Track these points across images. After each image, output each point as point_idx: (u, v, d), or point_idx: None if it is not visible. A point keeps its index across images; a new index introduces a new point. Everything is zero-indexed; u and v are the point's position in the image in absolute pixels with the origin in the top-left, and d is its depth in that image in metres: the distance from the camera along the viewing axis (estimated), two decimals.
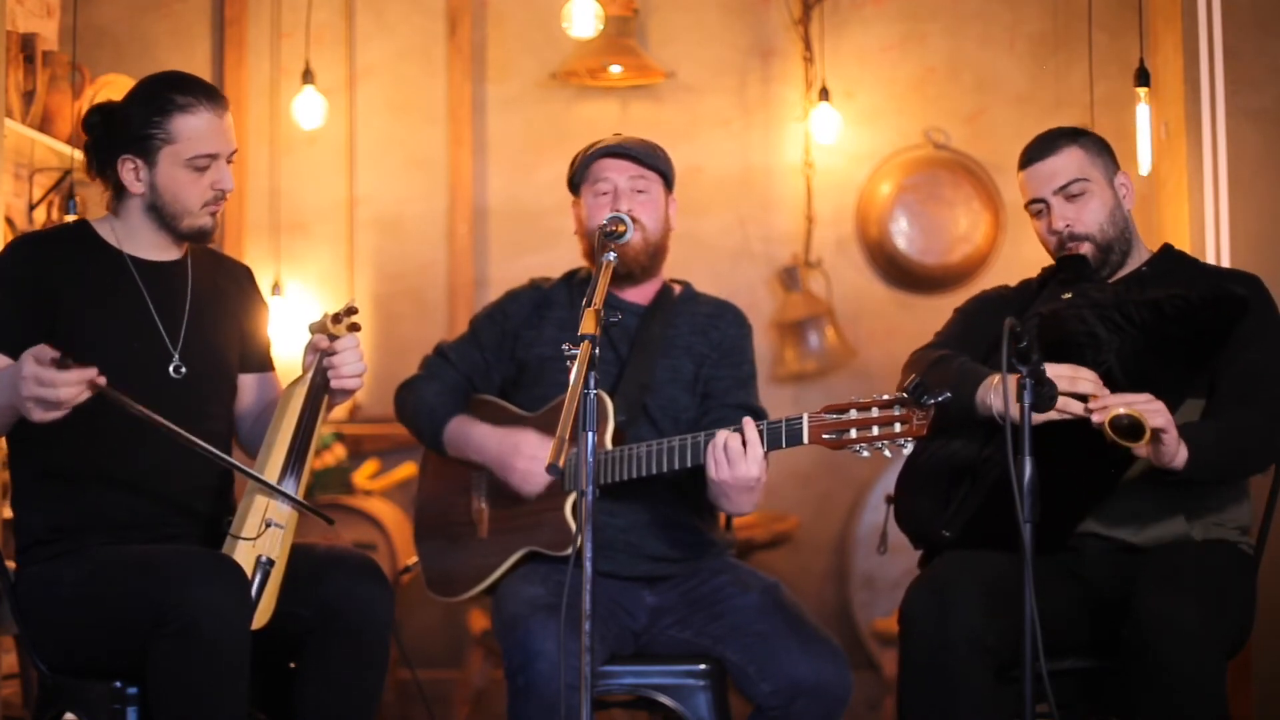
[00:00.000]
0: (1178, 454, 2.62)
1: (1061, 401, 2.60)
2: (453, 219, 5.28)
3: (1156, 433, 2.58)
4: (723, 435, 2.77)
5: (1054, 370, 2.63)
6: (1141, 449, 2.61)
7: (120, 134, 2.74)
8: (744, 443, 2.75)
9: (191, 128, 2.71)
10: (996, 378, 2.73)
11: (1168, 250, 3.01)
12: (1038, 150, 2.94)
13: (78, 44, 4.54)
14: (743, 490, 2.79)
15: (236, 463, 2.71)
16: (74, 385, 2.39)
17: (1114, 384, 2.66)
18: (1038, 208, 2.95)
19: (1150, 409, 2.57)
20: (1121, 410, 2.56)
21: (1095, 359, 2.68)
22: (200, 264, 2.89)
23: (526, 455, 3.02)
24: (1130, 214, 2.96)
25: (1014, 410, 2.45)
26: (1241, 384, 2.75)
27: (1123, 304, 2.74)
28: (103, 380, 2.42)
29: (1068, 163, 2.91)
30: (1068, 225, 2.90)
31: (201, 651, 2.44)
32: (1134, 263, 2.95)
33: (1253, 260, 3.89)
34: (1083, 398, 2.62)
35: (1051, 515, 2.51)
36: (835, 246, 5.27)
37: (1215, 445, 2.68)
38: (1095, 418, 2.58)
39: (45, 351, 2.38)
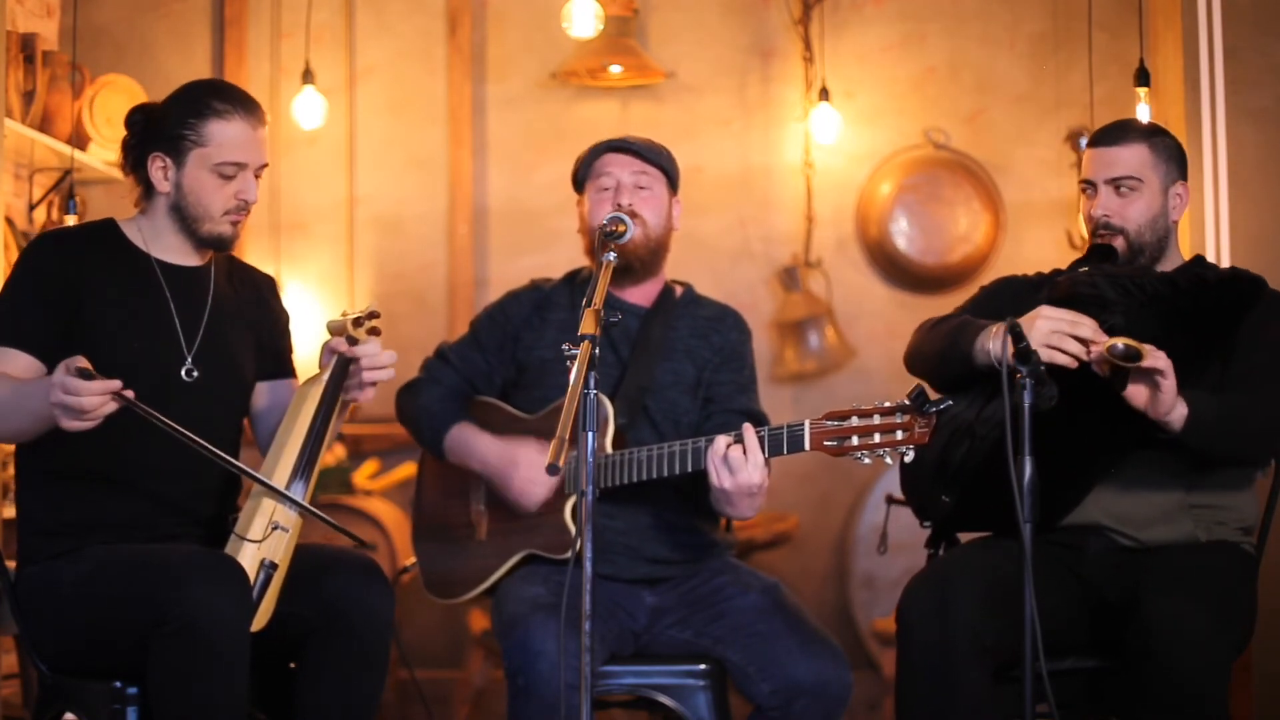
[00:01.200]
0: (1175, 407, 2.63)
1: (1058, 340, 2.62)
2: (453, 219, 5.28)
3: (1153, 374, 2.59)
4: (723, 444, 2.77)
5: (1055, 313, 2.64)
6: (1140, 397, 2.61)
7: (154, 132, 2.77)
8: (744, 450, 2.75)
9: (224, 134, 2.73)
10: (996, 327, 2.74)
11: (1199, 260, 3.01)
12: (1109, 135, 2.93)
13: (78, 44, 4.54)
14: (745, 496, 2.79)
15: (257, 474, 2.69)
16: (97, 395, 2.43)
17: None
18: (1087, 189, 2.94)
19: (1152, 352, 2.58)
20: (1118, 341, 2.58)
21: (1101, 318, 2.68)
22: (223, 272, 2.91)
23: (524, 470, 3.02)
24: (1174, 225, 2.95)
25: (1009, 353, 2.48)
26: (1249, 376, 2.76)
27: (1137, 275, 2.75)
28: (130, 393, 2.46)
29: (1129, 157, 2.90)
30: (1105, 216, 2.90)
31: (200, 651, 2.44)
32: (1163, 267, 2.95)
33: (1253, 260, 3.88)
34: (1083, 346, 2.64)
35: (1050, 490, 2.51)
36: (835, 246, 5.27)
37: (1215, 415, 2.69)
38: (1093, 352, 2.60)
39: (73, 361, 2.43)
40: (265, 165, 2.81)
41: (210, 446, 2.64)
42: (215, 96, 2.76)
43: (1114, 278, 2.75)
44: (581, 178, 3.16)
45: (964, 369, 2.78)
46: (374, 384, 2.75)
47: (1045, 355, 2.63)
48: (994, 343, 2.72)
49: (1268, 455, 2.90)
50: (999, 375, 2.59)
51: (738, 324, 3.23)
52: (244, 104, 2.77)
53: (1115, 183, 2.90)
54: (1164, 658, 2.54)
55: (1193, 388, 2.69)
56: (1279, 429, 2.82)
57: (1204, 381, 2.74)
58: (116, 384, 2.44)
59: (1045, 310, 2.68)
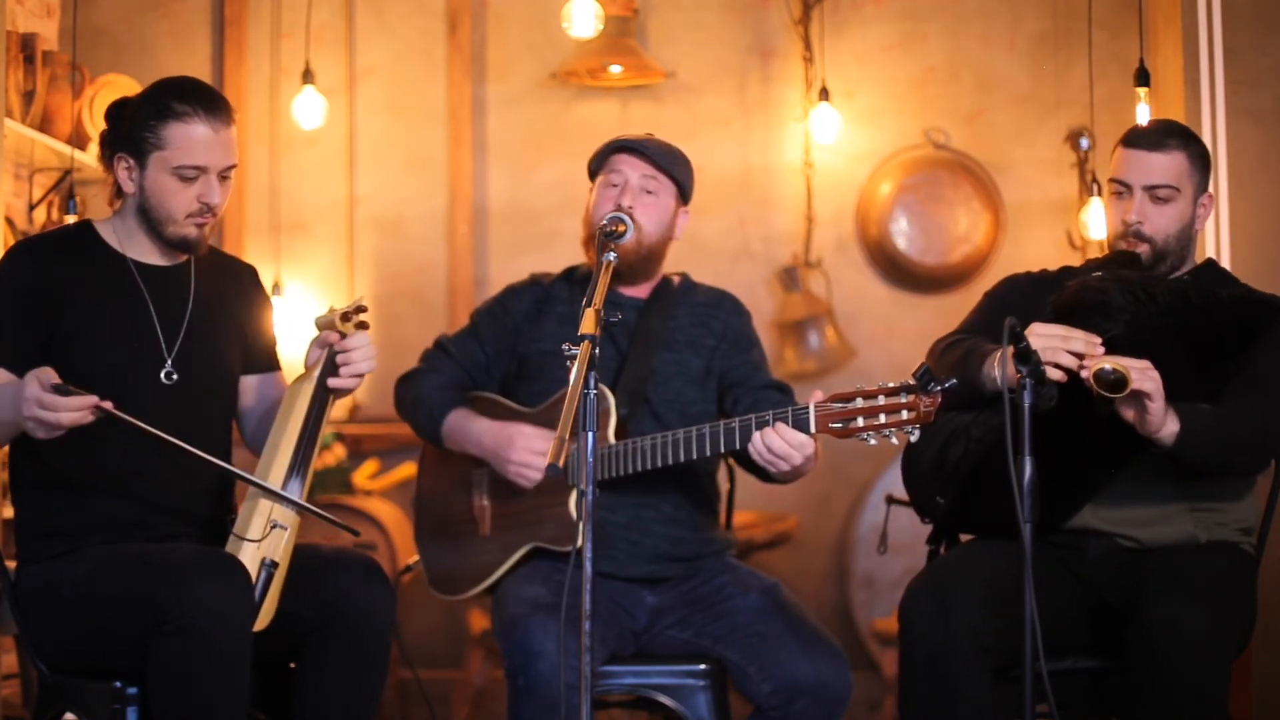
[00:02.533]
0: (1165, 424, 2.62)
1: (1050, 354, 2.61)
2: (453, 219, 5.28)
3: (1141, 396, 2.58)
4: (765, 451, 2.77)
5: (1047, 329, 2.63)
6: (1129, 414, 2.61)
7: (121, 132, 2.74)
8: (784, 439, 2.76)
9: (183, 137, 2.68)
10: (1000, 351, 2.72)
11: (1210, 264, 3.01)
12: (1149, 140, 2.89)
13: (78, 44, 4.54)
14: (809, 464, 2.82)
15: (246, 474, 2.69)
16: (73, 411, 2.44)
17: (1118, 352, 2.64)
18: (1119, 189, 2.90)
19: (1143, 373, 2.57)
20: (1107, 364, 2.57)
21: (1103, 326, 2.67)
22: (203, 268, 2.88)
23: (521, 448, 3.02)
24: (1197, 235, 2.94)
25: (1011, 375, 2.47)
26: (1247, 384, 2.74)
27: (1150, 283, 2.73)
28: (108, 404, 2.46)
29: (1170, 165, 2.86)
30: (1140, 222, 2.86)
31: (201, 650, 2.44)
32: (1179, 271, 2.94)
33: (1253, 261, 3.89)
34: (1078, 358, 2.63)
35: (1050, 495, 2.51)
36: (835, 246, 5.26)
37: (1208, 428, 2.68)
38: (1084, 373, 2.59)
39: (47, 376, 2.44)
40: (233, 166, 2.74)
41: (194, 449, 2.64)
42: (177, 97, 2.70)
43: (1125, 283, 2.73)
44: (595, 168, 3.17)
45: (974, 396, 2.77)
46: (358, 375, 2.75)
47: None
48: (999, 369, 2.71)
49: (1261, 465, 2.88)
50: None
51: (735, 307, 3.24)
52: (207, 105, 2.70)
53: (1153, 189, 2.86)
54: (1165, 658, 2.54)
55: (1193, 402, 2.69)
56: (1271, 442, 2.81)
57: (1206, 398, 2.73)
58: (93, 399, 2.45)
59: (1037, 327, 2.66)
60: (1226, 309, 2.70)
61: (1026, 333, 2.61)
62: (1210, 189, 2.95)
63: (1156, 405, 2.59)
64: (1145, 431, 2.63)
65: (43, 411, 2.43)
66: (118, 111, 2.78)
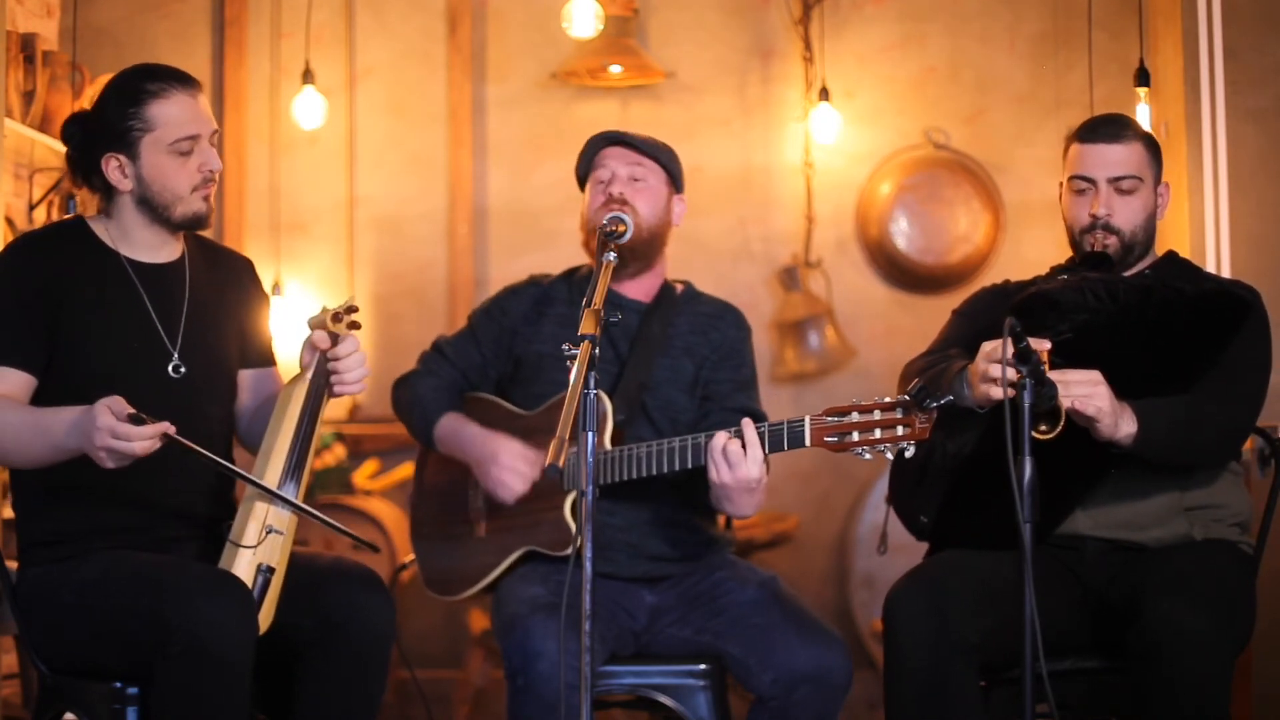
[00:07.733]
0: (1119, 427, 2.62)
1: (985, 389, 2.61)
2: (453, 219, 5.29)
3: (1087, 418, 2.57)
4: (722, 439, 2.77)
5: (987, 345, 2.63)
6: (1078, 421, 2.60)
7: (100, 134, 2.73)
8: (744, 445, 2.75)
9: (169, 113, 2.70)
10: (964, 366, 2.73)
11: (1171, 256, 3.01)
12: (1106, 132, 2.90)
13: (78, 44, 4.54)
14: (744, 492, 2.80)
15: (263, 483, 2.66)
16: (148, 440, 2.42)
17: (1070, 354, 2.62)
18: (1081, 186, 2.91)
19: (1079, 391, 2.57)
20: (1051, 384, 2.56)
21: (1056, 328, 2.66)
22: (198, 262, 2.87)
23: (503, 464, 3.02)
24: (1158, 225, 2.94)
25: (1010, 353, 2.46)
26: (1214, 378, 2.73)
27: (1111, 282, 2.72)
28: (172, 429, 2.46)
29: (1131, 155, 2.88)
30: (1108, 215, 2.87)
31: (207, 670, 2.43)
32: (1139, 266, 2.94)
33: (1253, 261, 3.90)
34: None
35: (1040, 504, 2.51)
36: (835, 246, 5.27)
37: (1168, 426, 2.67)
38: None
39: (120, 406, 2.42)
40: (216, 131, 2.77)
41: (230, 464, 2.65)
42: (146, 79, 2.72)
43: (1086, 282, 2.72)
44: (583, 174, 3.17)
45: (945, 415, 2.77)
46: (359, 382, 2.75)
47: (982, 391, 2.62)
48: (966, 388, 2.71)
49: (1224, 459, 2.85)
50: (977, 416, 2.63)
51: (737, 321, 3.23)
52: (176, 78, 2.73)
53: (1118, 182, 2.88)
54: (1166, 659, 2.53)
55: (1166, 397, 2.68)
56: (1234, 436, 2.80)
57: (1177, 394, 2.71)
58: (164, 426, 2.44)
59: (984, 345, 2.66)
60: (1191, 304, 2.69)
61: (980, 352, 2.63)
62: (1166, 179, 2.96)
63: (1103, 424, 2.59)
64: (1098, 438, 2.63)
65: (116, 442, 2.40)
66: (80, 125, 2.78)
